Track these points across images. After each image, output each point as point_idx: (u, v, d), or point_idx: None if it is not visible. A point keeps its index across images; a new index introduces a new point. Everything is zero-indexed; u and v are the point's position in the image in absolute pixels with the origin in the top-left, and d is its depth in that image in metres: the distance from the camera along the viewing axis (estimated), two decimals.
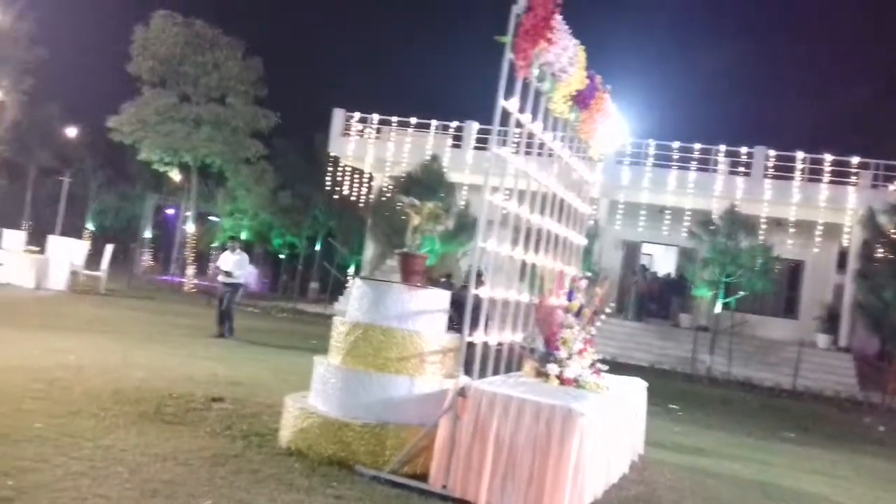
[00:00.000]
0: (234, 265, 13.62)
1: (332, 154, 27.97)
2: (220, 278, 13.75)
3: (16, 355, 8.43)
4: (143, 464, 5.00)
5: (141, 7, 25.17)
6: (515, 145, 6.36)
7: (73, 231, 33.71)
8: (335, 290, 29.13)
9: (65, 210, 38.67)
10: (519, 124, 6.22)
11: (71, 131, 37.94)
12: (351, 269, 32.33)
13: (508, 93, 5.83)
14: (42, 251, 18.71)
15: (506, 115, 5.92)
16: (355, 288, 6.37)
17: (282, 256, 40.59)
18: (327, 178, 29.07)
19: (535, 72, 6.13)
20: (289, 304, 25.72)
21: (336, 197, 29.72)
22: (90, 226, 41.77)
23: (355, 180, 29.35)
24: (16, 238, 19.06)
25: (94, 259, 20.57)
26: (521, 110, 6.14)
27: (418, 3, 64.80)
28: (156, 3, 24.89)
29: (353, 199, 29.51)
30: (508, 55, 5.68)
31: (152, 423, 6.16)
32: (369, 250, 27.60)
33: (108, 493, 4.35)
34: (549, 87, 6.49)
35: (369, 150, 26.91)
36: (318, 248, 36.59)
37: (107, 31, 30.86)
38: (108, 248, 20.24)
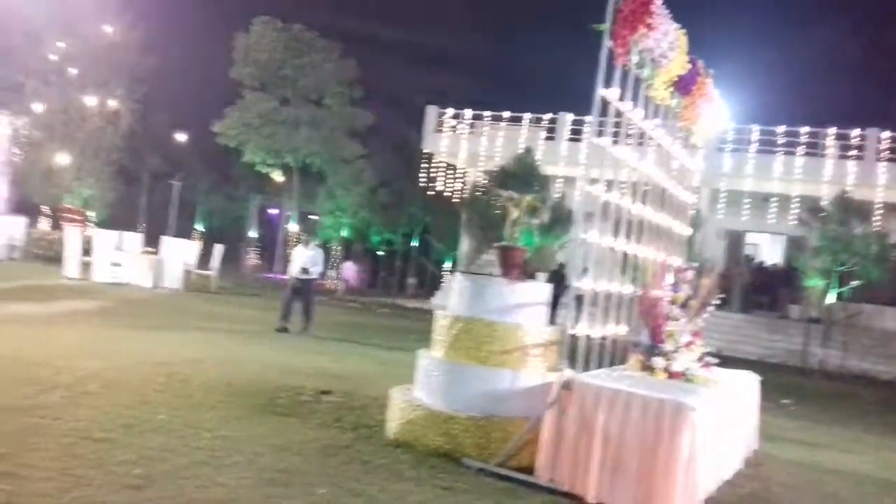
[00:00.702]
0: (309, 261, 13.13)
1: (426, 151, 28.25)
2: (294, 274, 13.18)
3: (139, 351, 8.94)
4: (260, 454, 5.21)
5: (242, 14, 26.14)
6: (615, 135, 6.25)
7: (184, 232, 35.39)
8: (432, 284, 29.44)
9: (176, 212, 40.67)
10: (618, 113, 6.11)
11: (180, 137, 39.84)
12: (447, 264, 32.59)
13: (607, 81, 5.73)
14: (157, 252, 19.74)
15: (605, 105, 5.83)
16: (455, 282, 6.42)
17: (380, 253, 41.34)
18: (422, 175, 29.39)
19: (635, 59, 6.00)
20: (388, 299, 26.17)
21: (431, 193, 30.00)
22: (199, 227, 43.79)
23: (449, 176, 29.54)
24: (133, 240, 20.17)
25: (204, 258, 21.53)
26: (621, 98, 6.03)
27: None
28: (256, 9, 25.83)
29: (447, 194, 29.71)
30: (606, 43, 5.59)
31: (266, 415, 6.41)
32: (465, 245, 27.71)
33: (228, 482, 4.56)
34: (649, 73, 6.35)
35: (463, 146, 27.02)
36: (414, 244, 37.06)
37: (211, 39, 32.24)
38: (218, 248, 21.15)
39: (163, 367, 7.92)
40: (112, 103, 26.16)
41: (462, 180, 29.31)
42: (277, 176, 31.40)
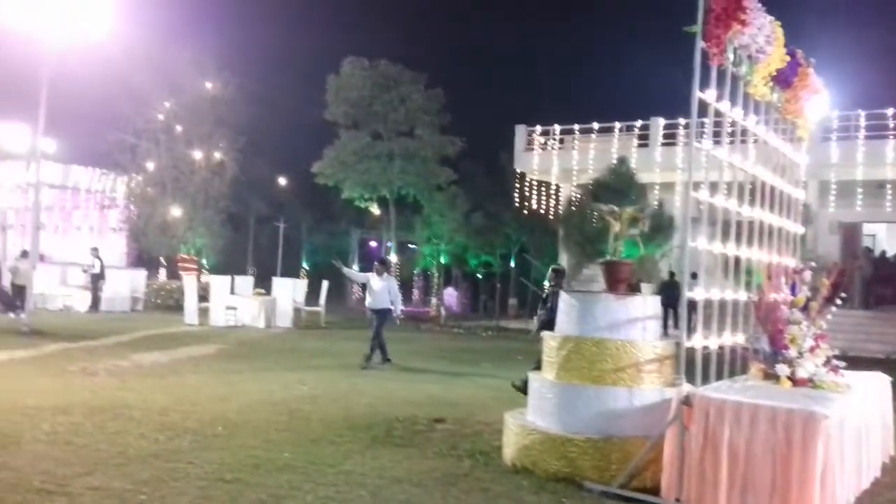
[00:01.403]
0: (380, 290, 12.35)
1: (517, 170, 28.25)
2: (367, 304, 12.65)
3: (258, 390, 9.27)
4: (382, 486, 5.27)
5: (331, 57, 27.11)
6: (716, 136, 6.07)
7: (291, 271, 36.62)
8: (534, 304, 29.21)
9: (282, 253, 42.17)
10: (718, 113, 5.93)
11: (281, 180, 41.52)
12: (547, 283, 32.26)
13: (703, 83, 5.58)
14: (268, 293, 20.49)
15: (703, 106, 5.67)
16: (561, 301, 6.34)
17: (479, 276, 41.43)
18: (515, 195, 29.38)
19: (731, 57, 5.81)
20: (491, 322, 26.13)
21: (525, 212, 29.94)
22: (305, 265, 45.24)
23: (542, 193, 29.42)
24: (245, 284, 21.03)
25: (312, 295, 22.17)
26: (719, 99, 5.84)
27: (586, 7, 63.99)
28: (345, 51, 26.69)
29: (542, 212, 29.57)
30: (700, 44, 5.44)
31: (384, 447, 6.49)
32: (563, 261, 27.45)
33: None
34: (746, 70, 6.13)
35: (554, 162, 26.87)
36: (512, 264, 36.95)
37: (304, 85, 33.60)
38: (324, 285, 21.76)
39: (282, 406, 8.17)
40: (216, 155, 27.56)
41: (556, 196, 29.12)
42: (375, 209, 32.12)
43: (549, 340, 6.16)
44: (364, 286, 13.80)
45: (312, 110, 28.02)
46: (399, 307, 12.82)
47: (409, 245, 40.72)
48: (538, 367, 9.42)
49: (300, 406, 8.23)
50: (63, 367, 10.44)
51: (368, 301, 12.62)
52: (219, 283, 19.99)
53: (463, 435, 7.10)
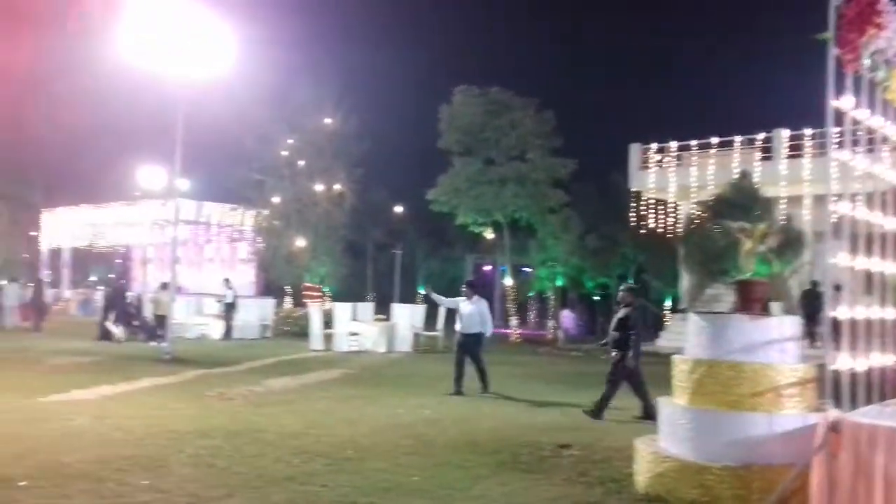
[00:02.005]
0: (470, 314, 11.84)
1: (632, 189, 27.68)
2: (458, 328, 12.03)
3: (384, 414, 9.45)
4: None
5: (443, 87, 27.67)
6: (854, 144, 5.73)
7: (409, 297, 37.32)
8: (655, 326, 28.37)
9: (399, 279, 43.06)
10: (855, 122, 5.61)
11: (398, 209, 42.62)
12: (667, 303, 31.35)
13: (838, 90, 5.30)
14: (388, 318, 20.92)
15: (838, 115, 5.38)
16: (691, 323, 6.14)
17: (595, 298, 40.68)
18: (631, 215, 28.77)
19: (866, 62, 5.50)
20: None
21: (642, 231, 29.25)
22: (422, 290, 45.92)
23: (660, 212, 28.64)
24: (366, 310, 21.57)
25: (429, 320, 22.45)
26: (856, 106, 5.53)
27: (696, 23, 62.34)
28: (455, 80, 27.18)
29: (659, 231, 28.79)
30: (833, 51, 5.19)
31: (511, 472, 6.46)
32: (684, 281, 26.57)
33: None
34: (883, 76, 5.78)
35: (671, 179, 26.15)
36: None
37: (417, 116, 34.47)
38: (441, 309, 21.98)
39: (408, 430, 8.29)
40: (336, 187, 28.58)
41: (674, 214, 28.30)
42: (489, 234, 32.29)
43: (680, 364, 5.97)
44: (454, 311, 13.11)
45: (426, 139, 28.66)
46: (490, 330, 12.20)
47: (524, 269, 40.60)
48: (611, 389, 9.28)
49: (425, 430, 8.31)
50: (201, 393, 11.02)
51: (459, 325, 12.00)
52: (341, 310, 20.60)
53: (591, 461, 6.96)
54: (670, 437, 5.86)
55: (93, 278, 43.59)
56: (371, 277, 44.42)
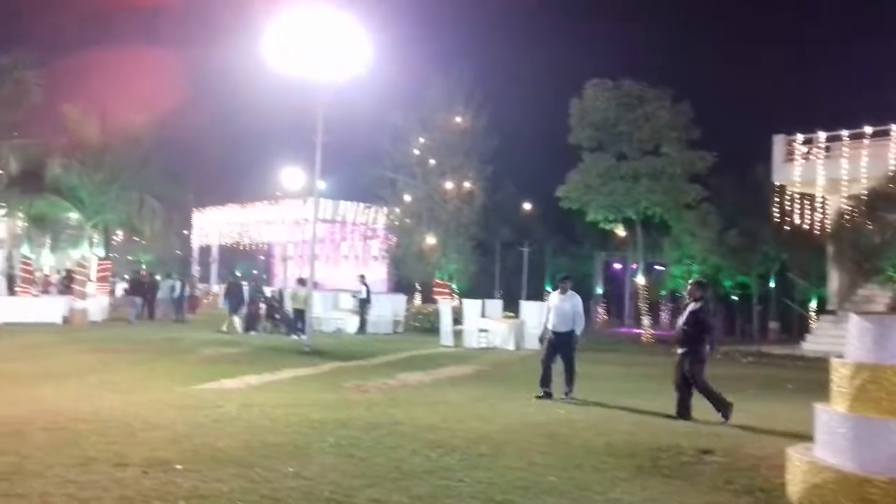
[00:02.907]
0: (563, 310, 10.81)
1: (776, 183, 26.24)
2: (549, 325, 11.02)
3: (516, 411, 9.42)
4: None
5: (572, 82, 27.22)
6: None
7: (536, 294, 37.11)
8: (800, 328, 26.81)
9: (527, 276, 42.92)
10: None
11: (526, 206, 42.53)
12: (813, 304, 29.55)
13: None
14: (517, 316, 20.88)
15: None
16: (852, 325, 5.70)
17: (734, 298, 38.90)
18: (774, 210, 27.28)
19: None
20: (750, 347, 24.34)
21: (786, 228, 27.66)
22: (549, 288, 45.53)
23: (806, 207, 27.00)
24: (495, 307, 21.63)
25: None
26: None
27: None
28: (585, 74, 26.69)
29: (805, 227, 27.14)
30: None
31: (651, 477, 6.24)
32: (834, 281, 24.93)
33: None
34: None
35: (819, 172, 24.60)
36: (772, 284, 34.29)
37: (547, 112, 34.20)
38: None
39: (541, 428, 8.21)
40: (466, 184, 28.83)
41: (822, 210, 26.59)
42: (620, 231, 31.53)
43: (839, 368, 5.56)
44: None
45: (556, 135, 28.33)
46: (580, 329, 11.13)
47: (656, 266, 39.39)
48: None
49: (559, 429, 8.20)
50: (340, 385, 11.40)
51: (551, 322, 10.97)
52: (471, 307, 20.77)
53: (737, 469, 6.62)
54: (828, 447, 5.47)
55: (238, 273, 46.25)
56: (499, 275, 44.52)
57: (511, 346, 19.62)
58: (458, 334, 20.32)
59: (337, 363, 14.53)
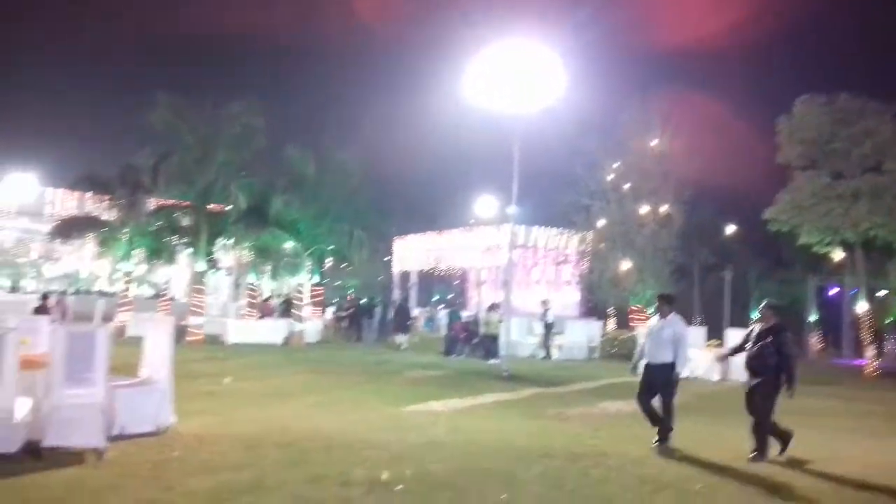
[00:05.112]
0: (661, 337, 8.93)
1: None
2: (645, 354, 9.20)
3: (727, 448, 8.85)
4: None
5: (778, 100, 25.66)
6: None
7: (739, 321, 34.98)
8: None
9: (729, 302, 40.68)
10: None
11: (727, 229, 40.47)
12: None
13: None
14: (721, 344, 19.86)
15: None
16: None
17: None
18: None
19: None
20: None
21: None
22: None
23: None
24: (697, 335, 20.72)
25: None
26: None
27: None
28: (793, 90, 25.08)
29: None
30: None
31: None
32: None
33: None
34: None
35: None
36: None
37: (749, 131, 32.41)
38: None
39: (757, 468, 7.77)
40: (663, 208, 28.00)
41: None
42: (836, 254, 29.03)
43: None
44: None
45: (761, 155, 26.77)
46: (684, 362, 9.02)
47: (879, 293, 35.79)
48: None
49: (775, 471, 7.71)
50: (540, 412, 11.48)
51: (646, 350, 9.16)
52: None
53: None
54: None
55: (435, 298, 47.99)
56: (698, 300, 42.57)
57: (716, 377, 18.67)
58: None
59: (536, 389, 14.63)
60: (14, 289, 40.50)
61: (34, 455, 6.71)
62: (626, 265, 28.03)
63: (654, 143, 27.92)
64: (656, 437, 8.82)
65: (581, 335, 24.72)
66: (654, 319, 9.34)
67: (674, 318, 9.15)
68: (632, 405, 12.62)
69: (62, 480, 6.09)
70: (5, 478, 6.04)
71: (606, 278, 28.70)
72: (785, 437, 8.57)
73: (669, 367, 8.84)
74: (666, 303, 9.29)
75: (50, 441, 6.80)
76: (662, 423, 8.86)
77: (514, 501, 6.07)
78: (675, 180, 27.89)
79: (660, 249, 27.97)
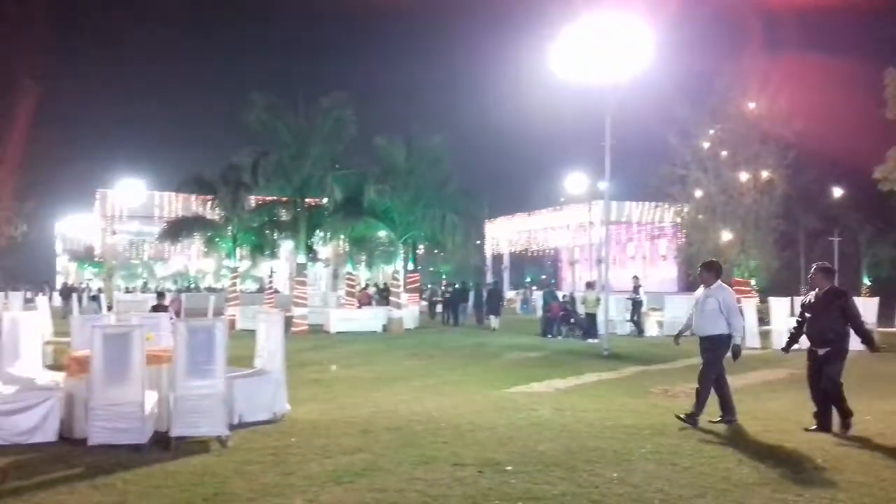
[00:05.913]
0: (708, 308, 8.40)
1: None
2: (694, 328, 8.75)
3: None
4: None
5: (888, 52, 24.13)
6: None
7: (851, 289, 33.29)
8: None
9: (837, 269, 38.77)
10: None
11: (834, 192, 38.49)
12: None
13: None
14: None
15: None
16: None
17: None
18: None
19: None
20: None
21: None
22: (866, 280, 40.68)
23: None
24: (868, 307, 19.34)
25: (883, 316, 19.73)
26: None
27: None
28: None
29: None
30: None
31: None
32: None
33: None
34: None
35: None
36: None
37: (857, 87, 30.56)
38: None
39: (881, 439, 7.42)
40: (764, 174, 26.91)
41: None
42: None
43: None
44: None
45: (868, 110, 25.26)
46: (740, 331, 8.52)
47: None
48: None
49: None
50: (645, 389, 11.31)
51: (695, 324, 8.69)
52: (778, 305, 19.34)
53: None
54: None
55: (528, 279, 47.84)
56: (804, 269, 40.77)
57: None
58: (764, 335, 19.01)
59: (638, 367, 14.41)
60: (144, 289, 43.02)
61: (163, 445, 7.11)
62: (726, 236, 27.13)
63: (752, 106, 26.81)
64: (726, 417, 8.42)
65: (681, 311, 24.10)
66: (700, 290, 8.72)
67: (720, 288, 8.57)
68: (738, 380, 12.33)
69: (190, 468, 6.43)
70: (138, 467, 6.42)
71: (706, 250, 27.88)
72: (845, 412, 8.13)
73: (717, 339, 8.34)
74: (708, 270, 8.69)
75: (177, 431, 7.18)
76: (701, 398, 8.37)
77: (627, 479, 6.02)
78: (775, 144, 26.75)
79: (762, 218, 26.96)
